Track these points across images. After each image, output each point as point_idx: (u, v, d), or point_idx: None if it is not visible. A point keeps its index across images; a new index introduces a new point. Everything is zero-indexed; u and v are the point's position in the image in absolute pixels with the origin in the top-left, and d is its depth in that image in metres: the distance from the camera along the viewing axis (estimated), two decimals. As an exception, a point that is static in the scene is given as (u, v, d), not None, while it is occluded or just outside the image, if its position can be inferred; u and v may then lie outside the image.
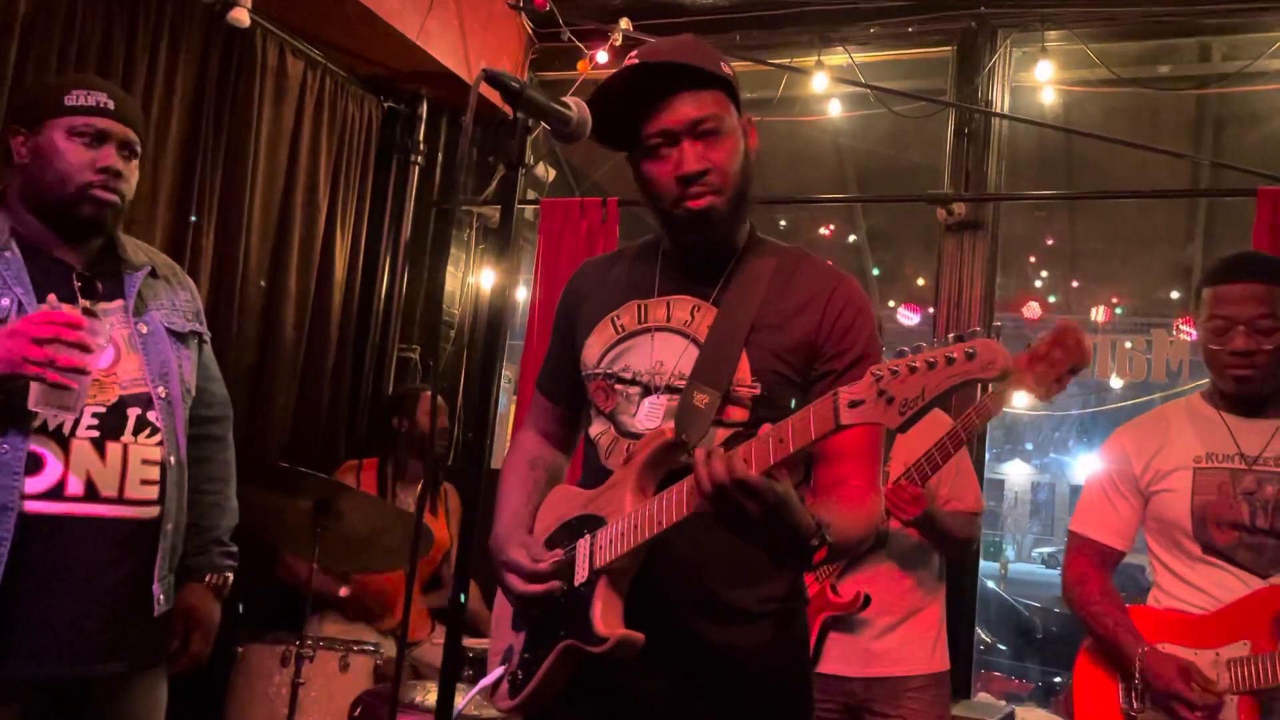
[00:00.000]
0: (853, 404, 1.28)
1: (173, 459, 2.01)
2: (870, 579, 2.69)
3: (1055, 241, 7.75)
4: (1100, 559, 2.39)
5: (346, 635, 3.54)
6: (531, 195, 4.84)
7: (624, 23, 4.31)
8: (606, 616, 1.52)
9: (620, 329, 1.73)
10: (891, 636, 2.68)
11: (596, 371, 1.73)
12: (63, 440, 1.88)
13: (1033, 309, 7.31)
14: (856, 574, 2.69)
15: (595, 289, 1.81)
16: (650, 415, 1.65)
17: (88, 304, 1.93)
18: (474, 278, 4.91)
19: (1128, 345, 5.25)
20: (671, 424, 1.59)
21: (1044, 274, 8.39)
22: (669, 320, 1.69)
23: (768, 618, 1.64)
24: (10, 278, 1.89)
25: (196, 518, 2.16)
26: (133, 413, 1.96)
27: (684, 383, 1.63)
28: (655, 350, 1.67)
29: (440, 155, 4.83)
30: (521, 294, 5.12)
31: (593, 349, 1.74)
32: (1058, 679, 6.90)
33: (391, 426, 3.92)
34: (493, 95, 1.55)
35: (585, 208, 4.35)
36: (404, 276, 4.71)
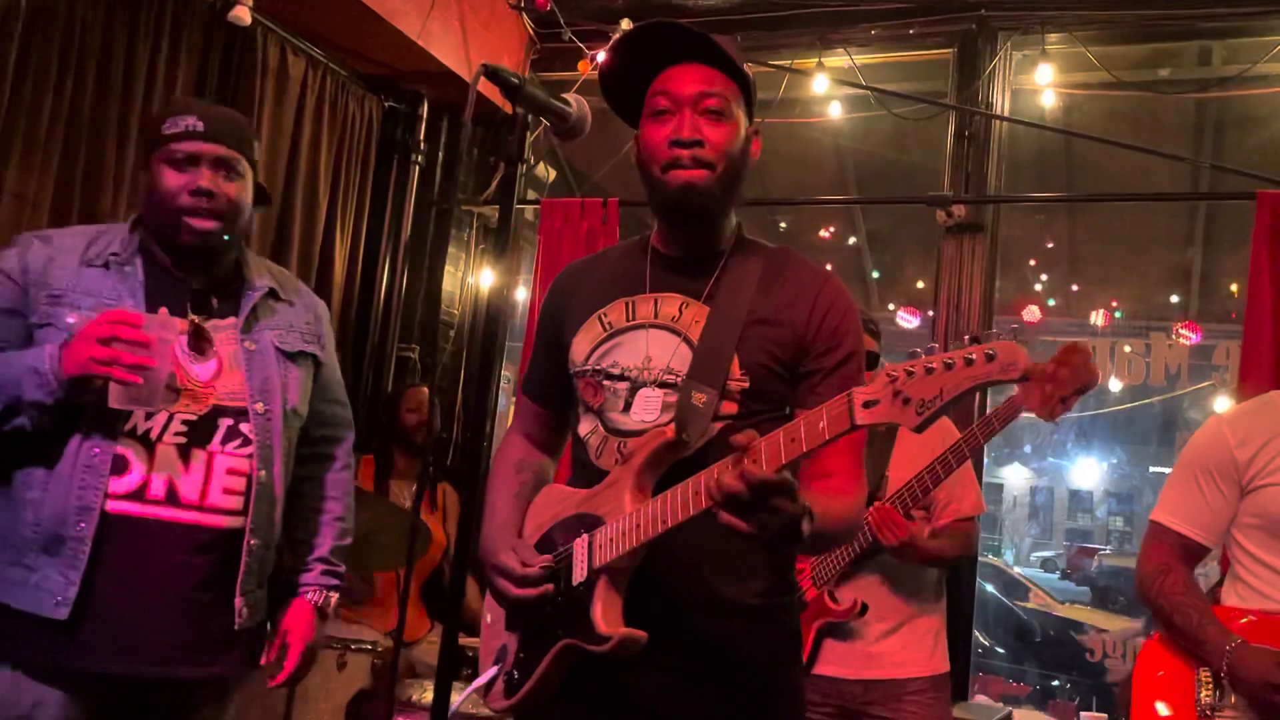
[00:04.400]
0: (867, 404, 1.28)
1: (264, 473, 2.01)
2: (869, 586, 2.67)
3: (1055, 244, 7.75)
4: (1183, 552, 2.23)
5: (344, 634, 3.54)
6: (532, 195, 4.84)
7: (625, 23, 4.30)
8: (608, 615, 1.52)
9: (608, 326, 1.73)
10: (888, 641, 2.67)
11: (585, 369, 1.73)
12: (149, 444, 1.91)
13: (1032, 312, 7.30)
14: (854, 582, 2.68)
15: (580, 288, 1.81)
16: (646, 408, 1.64)
17: (198, 319, 1.99)
18: (473, 278, 4.91)
19: (1127, 349, 5.26)
20: (671, 422, 1.59)
21: (1043, 277, 8.38)
22: (656, 316, 1.69)
23: (761, 611, 1.65)
24: (125, 290, 1.96)
25: (304, 535, 2.20)
26: (224, 423, 1.98)
27: (673, 377, 1.63)
28: (645, 346, 1.68)
29: (441, 155, 4.83)
30: (521, 294, 5.12)
31: (580, 346, 1.74)
32: (1055, 681, 6.91)
33: (383, 423, 3.99)
34: (494, 96, 1.55)
35: (585, 208, 4.35)
36: (404, 276, 4.71)
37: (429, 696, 2.91)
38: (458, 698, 1.72)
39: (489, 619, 1.79)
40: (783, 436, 1.35)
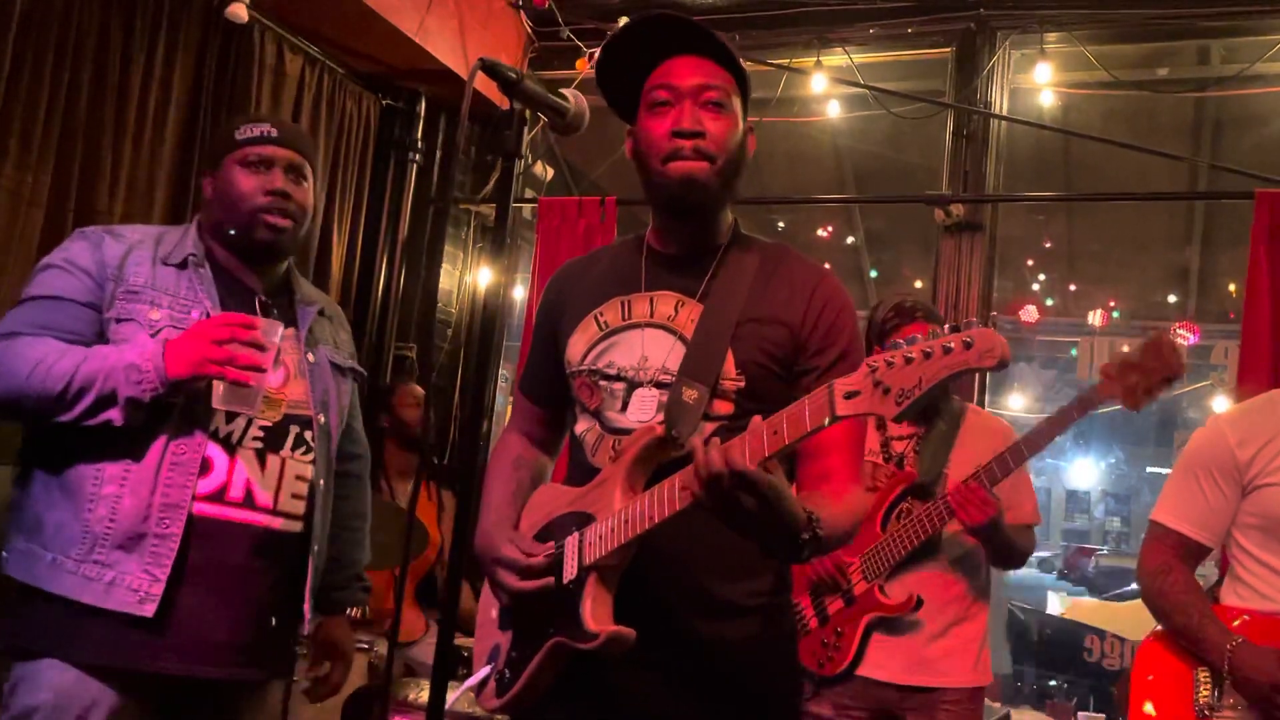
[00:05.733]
0: (848, 395, 1.28)
1: (322, 482, 2.07)
2: (921, 582, 2.60)
3: (1053, 244, 7.75)
4: (1183, 552, 2.21)
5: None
6: (530, 194, 4.84)
7: (623, 21, 4.30)
8: (596, 613, 1.51)
9: (603, 325, 1.72)
10: (938, 644, 2.60)
11: (581, 369, 1.72)
12: (230, 447, 1.94)
13: (1030, 312, 7.30)
14: (906, 576, 2.61)
15: (576, 288, 1.80)
16: (642, 408, 1.64)
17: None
18: (471, 276, 4.90)
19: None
20: (660, 418, 1.58)
21: (1041, 277, 8.38)
22: (652, 315, 1.68)
23: (756, 612, 1.63)
24: (201, 291, 1.99)
25: (340, 553, 2.23)
26: (293, 429, 2.03)
27: (669, 377, 1.62)
28: (641, 345, 1.67)
29: (438, 153, 4.82)
30: (519, 293, 5.12)
31: (576, 346, 1.73)
32: (1052, 682, 6.90)
33: (377, 423, 3.97)
34: (492, 93, 1.55)
35: (583, 207, 4.35)
36: (401, 274, 4.70)
37: (425, 696, 2.91)
38: (450, 696, 1.71)
39: (483, 619, 1.78)
40: (765, 429, 1.35)
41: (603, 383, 1.68)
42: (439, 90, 4.60)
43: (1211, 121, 5.43)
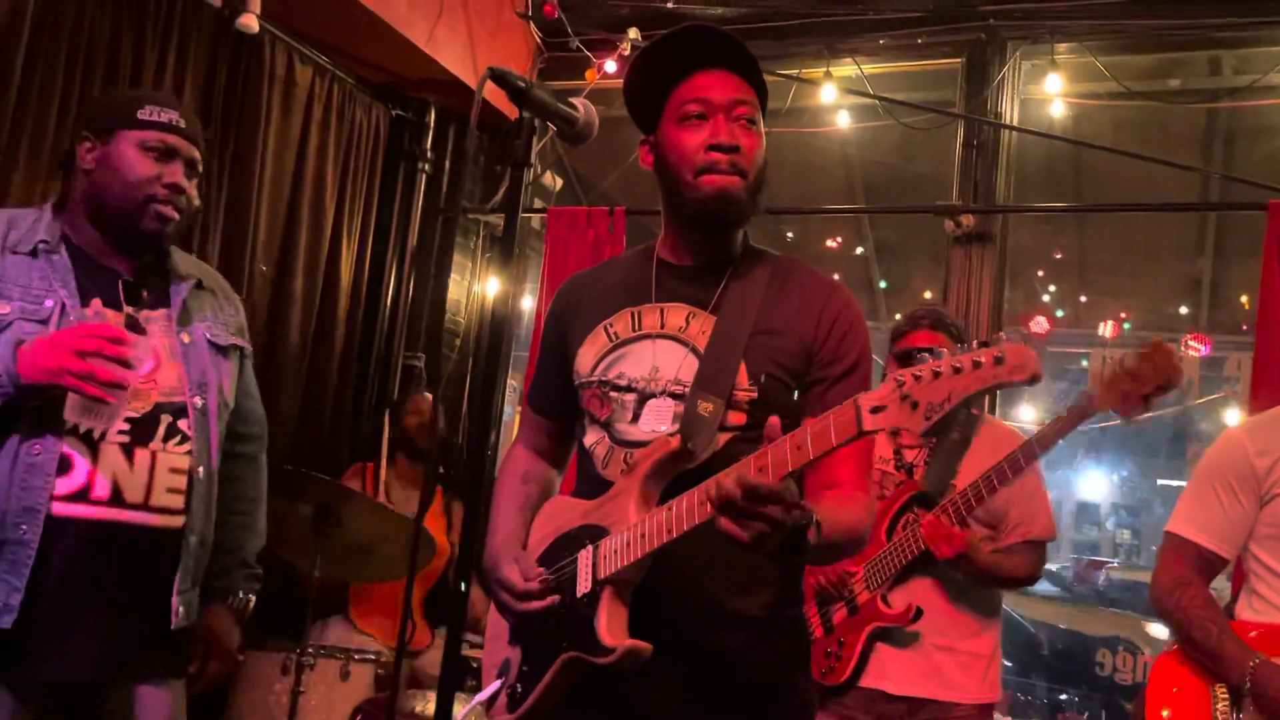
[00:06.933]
0: (875, 409, 1.26)
1: (201, 470, 2.00)
2: (925, 592, 2.58)
3: (1063, 255, 7.72)
4: (1202, 565, 2.19)
5: (348, 643, 3.52)
6: (538, 204, 4.84)
7: (632, 32, 4.30)
8: (612, 627, 1.50)
9: (613, 336, 1.71)
10: (946, 658, 2.58)
11: (590, 380, 1.71)
12: (92, 444, 1.87)
13: (1040, 323, 7.26)
14: (910, 585, 2.59)
15: (586, 299, 1.80)
16: (656, 419, 1.63)
17: (131, 310, 1.95)
18: (479, 286, 4.90)
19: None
20: (676, 431, 1.58)
21: (1052, 288, 8.35)
22: (663, 327, 1.68)
23: (769, 623, 1.63)
24: (56, 280, 1.90)
25: (224, 538, 2.14)
26: (165, 419, 1.95)
27: (680, 388, 1.62)
28: (652, 356, 1.66)
29: (447, 163, 4.83)
30: (527, 303, 5.11)
31: (586, 357, 1.73)
32: (1063, 695, 6.84)
33: (390, 430, 3.98)
34: (501, 103, 1.54)
35: (592, 217, 4.34)
36: (409, 284, 4.71)
37: (431, 708, 2.89)
38: (461, 711, 1.70)
39: (493, 633, 1.77)
40: (789, 445, 1.34)
41: (613, 394, 1.67)
42: (448, 100, 4.60)
43: (1223, 132, 5.41)
